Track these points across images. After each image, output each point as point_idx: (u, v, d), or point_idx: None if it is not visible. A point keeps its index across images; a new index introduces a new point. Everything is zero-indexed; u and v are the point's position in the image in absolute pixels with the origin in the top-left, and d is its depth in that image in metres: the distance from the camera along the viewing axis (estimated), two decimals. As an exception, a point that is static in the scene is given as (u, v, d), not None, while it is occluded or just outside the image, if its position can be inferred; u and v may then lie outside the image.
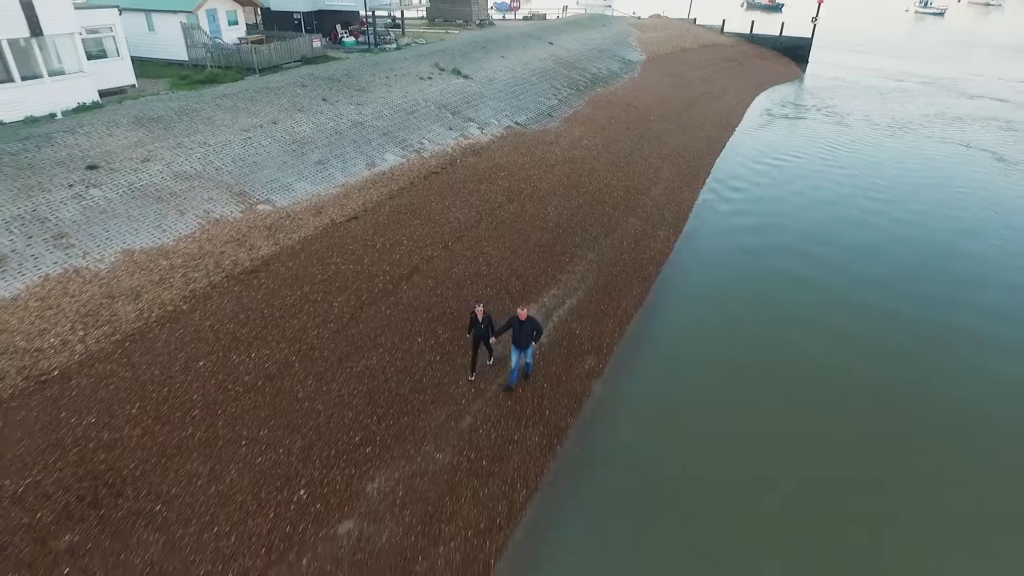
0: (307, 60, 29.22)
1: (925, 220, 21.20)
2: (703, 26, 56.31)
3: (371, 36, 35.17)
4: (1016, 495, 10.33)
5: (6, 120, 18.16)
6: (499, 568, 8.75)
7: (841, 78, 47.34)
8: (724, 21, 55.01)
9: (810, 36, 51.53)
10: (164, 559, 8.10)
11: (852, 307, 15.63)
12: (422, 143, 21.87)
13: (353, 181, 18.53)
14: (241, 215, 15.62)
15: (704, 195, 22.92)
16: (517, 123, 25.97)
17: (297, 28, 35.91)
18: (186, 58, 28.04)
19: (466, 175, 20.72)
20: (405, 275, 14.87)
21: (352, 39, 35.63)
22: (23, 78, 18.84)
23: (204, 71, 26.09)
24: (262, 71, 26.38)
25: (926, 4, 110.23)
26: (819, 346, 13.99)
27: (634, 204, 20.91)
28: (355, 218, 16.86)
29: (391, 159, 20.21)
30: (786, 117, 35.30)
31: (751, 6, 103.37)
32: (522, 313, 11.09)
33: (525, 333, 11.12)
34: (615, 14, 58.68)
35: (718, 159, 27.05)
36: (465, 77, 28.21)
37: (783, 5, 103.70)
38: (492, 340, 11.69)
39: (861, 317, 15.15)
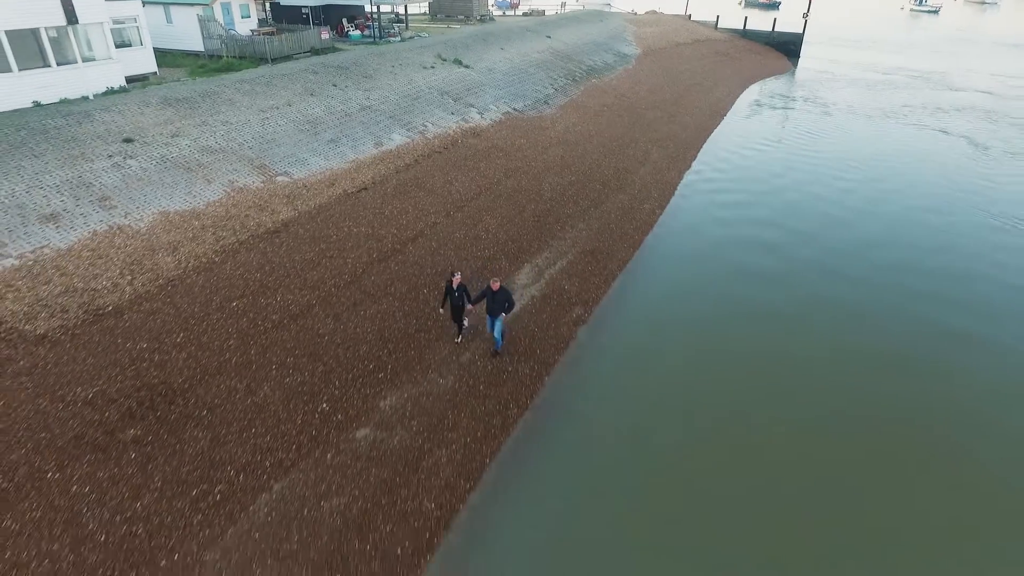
0: (316, 51, 30.80)
1: (893, 197, 22.74)
2: (698, 22, 57.84)
3: (376, 30, 36.75)
4: (979, 468, 10.58)
5: (43, 101, 19.76)
6: (492, 467, 10.32)
7: (831, 72, 48.82)
8: (718, 17, 56.55)
9: (801, 32, 52.99)
10: (212, 450, 9.69)
11: (817, 271, 17.17)
12: (425, 125, 23.44)
13: (362, 157, 20.12)
14: (262, 184, 17.21)
15: (689, 176, 24.44)
16: (515, 109, 27.53)
17: (305, 22, 37.47)
18: (202, 49, 29.64)
19: (466, 154, 22.30)
20: (411, 238, 16.45)
21: (358, 33, 37.22)
22: (59, 63, 20.45)
23: (220, 61, 27.72)
24: (274, 61, 27.97)
25: (921, 2, 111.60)
26: (786, 304, 15.53)
27: (623, 182, 22.47)
28: (365, 189, 18.45)
29: (397, 139, 21.79)
30: (773, 107, 36.82)
31: (749, 4, 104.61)
32: (495, 284, 11.85)
33: (498, 302, 11.92)
34: (613, 11, 60.20)
35: (705, 144, 28.58)
36: (466, 67, 29.78)
37: (780, 3, 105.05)
38: (468, 308, 12.31)
39: (824, 279, 16.70)
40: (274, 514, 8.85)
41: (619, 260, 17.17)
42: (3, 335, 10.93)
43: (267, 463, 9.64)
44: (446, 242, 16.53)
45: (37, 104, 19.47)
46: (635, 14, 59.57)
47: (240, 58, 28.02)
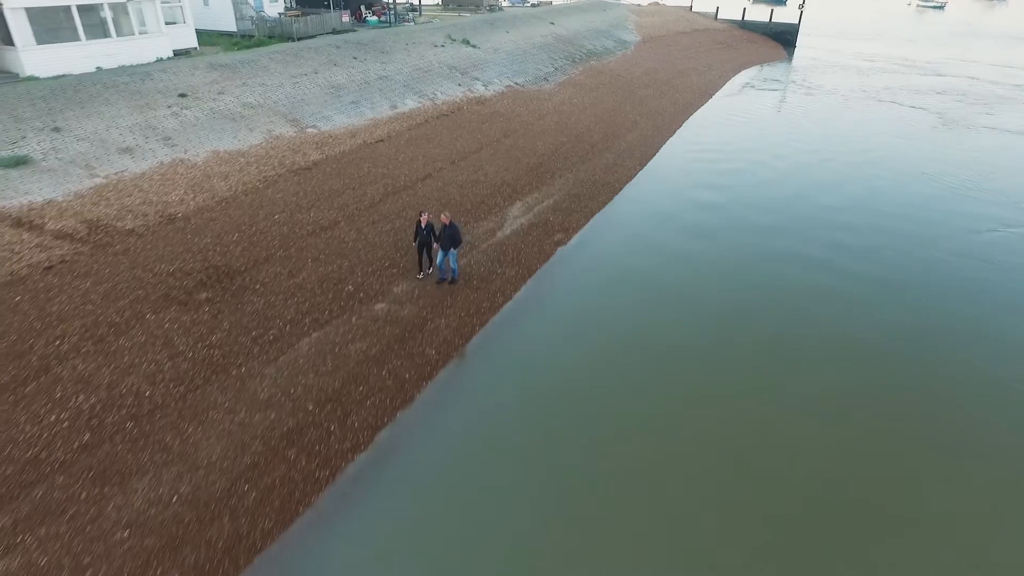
0: (336, 32, 33.81)
1: (845, 155, 25.28)
2: (699, 13, 60.29)
3: (392, 16, 39.74)
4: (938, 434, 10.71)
5: (105, 67, 22.89)
6: (480, 333, 13.15)
7: (825, 60, 51.10)
8: (718, 8, 58.98)
9: (797, 23, 55.28)
10: (264, 310, 12.63)
11: (770, 214, 19.83)
12: (435, 94, 26.36)
13: (380, 117, 23.07)
14: (295, 134, 20.21)
15: (672, 141, 27.13)
16: (516, 83, 30.37)
17: (326, 7, 40.54)
18: (235, 29, 32.78)
19: (471, 118, 25.18)
20: (420, 178, 19.36)
21: (375, 18, 40.24)
22: (118, 36, 23.61)
23: (251, 40, 30.81)
24: (299, 40, 31.00)
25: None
26: (725, 226, 18.23)
27: (610, 145, 25.22)
28: (382, 141, 21.40)
29: (410, 103, 24.72)
30: (759, 88, 39.30)
31: (758, 0, 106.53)
32: (444, 218, 13.44)
33: (447, 236, 13.48)
34: (617, 2, 62.78)
35: (691, 118, 31.22)
36: (473, 46, 32.65)
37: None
38: (435, 246, 13.86)
39: (779, 222, 19.34)
40: (313, 350, 11.77)
41: (599, 202, 19.96)
42: (103, 228, 13.97)
43: (307, 320, 12.57)
44: (450, 183, 19.42)
45: (100, 69, 22.59)
46: (639, 5, 62.12)
47: (269, 37, 31.10)
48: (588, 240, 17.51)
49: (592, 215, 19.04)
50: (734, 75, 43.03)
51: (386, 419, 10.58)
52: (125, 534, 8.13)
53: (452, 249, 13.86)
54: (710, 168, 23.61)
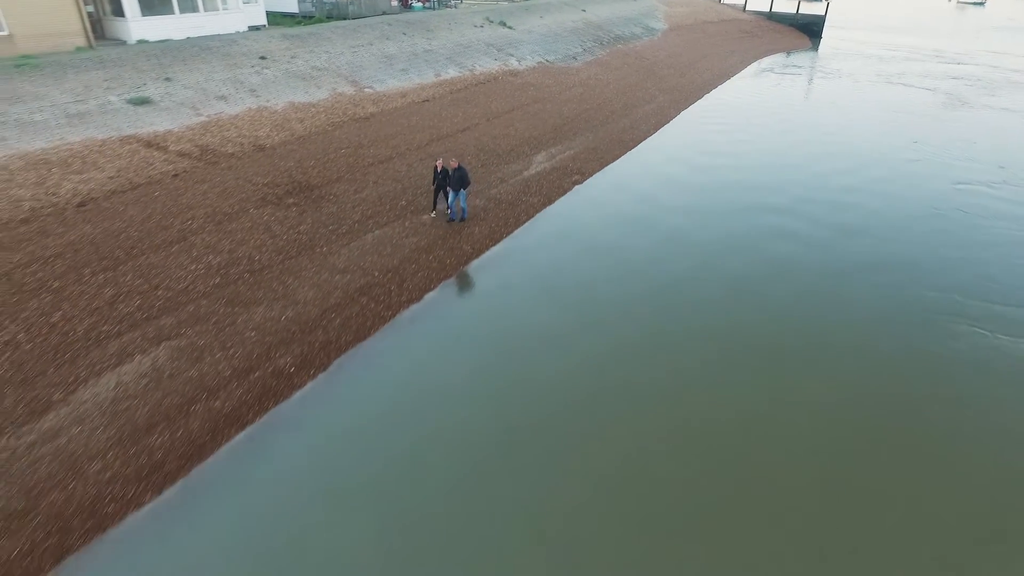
0: (386, 14, 37.39)
1: (844, 127, 27.66)
2: (727, 4, 62.32)
3: (435, 2, 43.24)
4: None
5: (193, 36, 26.79)
6: (506, 239, 16.33)
7: (849, 49, 52.73)
8: (746, 0, 60.90)
9: (823, 14, 56.97)
10: (337, 213, 16.06)
11: (762, 173, 22.54)
12: (474, 66, 29.68)
13: (425, 82, 26.49)
14: (354, 92, 23.75)
15: (685, 114, 29.88)
16: (547, 60, 33.48)
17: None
18: (296, 11, 36.67)
19: (505, 87, 28.43)
20: (460, 130, 22.67)
21: (420, 4, 43.77)
22: (206, 11, 27.54)
23: (311, 20, 34.60)
24: (354, 19, 34.65)
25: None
26: (727, 196, 21.03)
27: (629, 113, 28.16)
28: (427, 101, 24.80)
29: (452, 72, 28.08)
30: (778, 73, 41.53)
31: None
32: (453, 163, 15.59)
33: (455, 179, 15.66)
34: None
35: (708, 94, 33.86)
36: (509, 28, 35.88)
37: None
38: (447, 189, 16.03)
39: (769, 181, 22.05)
40: (376, 240, 15.15)
41: (613, 155, 22.97)
42: (211, 151, 17.65)
43: (370, 222, 15.97)
44: (485, 135, 22.68)
45: (189, 39, 26.50)
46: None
47: (327, 17, 34.85)
48: (599, 181, 20.56)
49: (605, 164, 22.06)
50: (755, 61, 45.29)
51: (432, 285, 13.88)
52: (252, 334, 11.60)
53: (462, 190, 15.95)
54: (716, 136, 26.35)
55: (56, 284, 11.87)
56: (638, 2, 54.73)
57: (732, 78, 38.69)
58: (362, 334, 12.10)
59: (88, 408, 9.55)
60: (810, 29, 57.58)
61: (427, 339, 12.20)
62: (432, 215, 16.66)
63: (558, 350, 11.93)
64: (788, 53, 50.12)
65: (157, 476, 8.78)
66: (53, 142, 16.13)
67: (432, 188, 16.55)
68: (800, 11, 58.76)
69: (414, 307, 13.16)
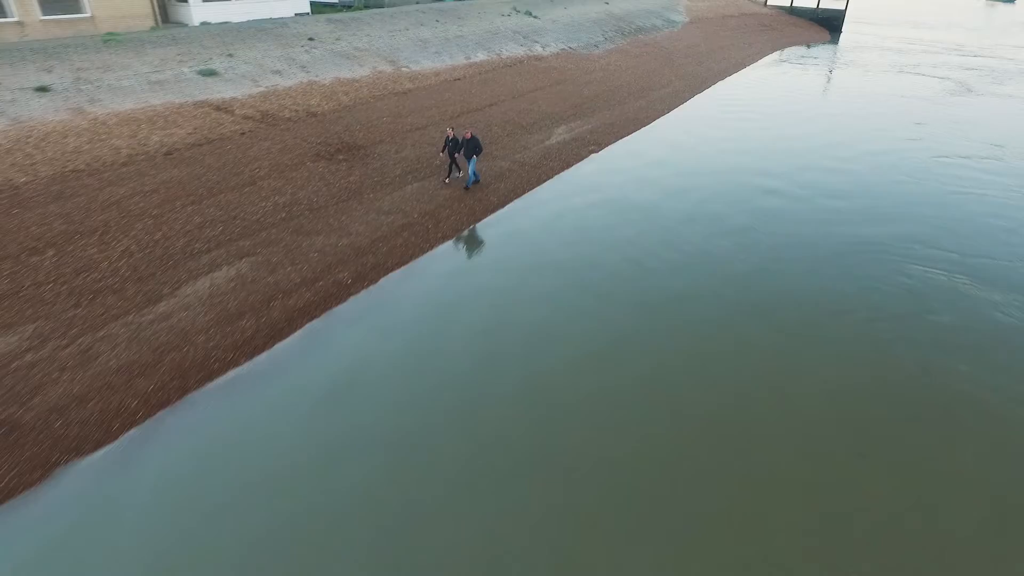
0: (419, 3, 39.79)
1: (846, 108, 29.23)
2: (750, 0, 63.55)
3: (465, -7, 45.48)
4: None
5: (247, 20, 29.40)
6: (529, 193, 18.47)
7: (867, 42, 53.65)
8: (768, -6, 62.11)
9: (843, 9, 57.98)
10: (381, 168, 18.36)
11: (760, 154, 24.34)
12: (501, 50, 31.89)
13: (457, 64, 28.77)
14: (393, 71, 26.12)
15: (699, 97, 31.70)
16: (570, 47, 35.55)
17: (409, -14, 46.66)
18: (335, 1, 39.23)
19: (529, 70, 30.58)
20: (488, 105, 24.89)
21: (450, -4, 46.08)
22: (256, -3, 30.20)
23: (350, 8, 37.11)
24: (390, 7, 37.09)
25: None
26: (730, 165, 22.90)
27: (645, 95, 30.10)
28: (459, 80, 27.08)
29: (481, 56, 30.33)
30: (793, 63, 42.95)
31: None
32: (467, 133, 17.26)
33: (469, 147, 17.17)
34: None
35: (722, 81, 35.59)
36: (535, 17, 38.00)
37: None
38: (457, 155, 17.60)
39: (766, 159, 23.85)
40: (416, 191, 17.42)
41: (629, 129, 24.98)
42: (270, 115, 20.13)
43: (409, 176, 18.26)
44: (510, 109, 24.87)
45: (245, 22, 29.11)
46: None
47: (365, 7, 37.35)
48: (614, 151, 22.60)
49: (620, 137, 24.08)
50: (773, 52, 46.73)
51: (463, 227, 16.10)
52: (315, 255, 13.94)
53: (474, 156, 17.43)
54: (725, 115, 28.19)
55: (155, 212, 14.36)
56: (660, -4, 56.33)
57: (748, 67, 40.27)
58: (404, 260, 14.37)
59: (190, 300, 11.97)
60: (830, 23, 58.59)
61: (459, 264, 14.44)
62: (447, 181, 18.10)
63: (561, 274, 14.08)
64: (807, 45, 51.35)
65: (248, 347, 11.13)
66: (140, 104, 18.73)
67: (442, 155, 18.04)
68: (820, 6, 59.79)
69: (448, 243, 15.40)
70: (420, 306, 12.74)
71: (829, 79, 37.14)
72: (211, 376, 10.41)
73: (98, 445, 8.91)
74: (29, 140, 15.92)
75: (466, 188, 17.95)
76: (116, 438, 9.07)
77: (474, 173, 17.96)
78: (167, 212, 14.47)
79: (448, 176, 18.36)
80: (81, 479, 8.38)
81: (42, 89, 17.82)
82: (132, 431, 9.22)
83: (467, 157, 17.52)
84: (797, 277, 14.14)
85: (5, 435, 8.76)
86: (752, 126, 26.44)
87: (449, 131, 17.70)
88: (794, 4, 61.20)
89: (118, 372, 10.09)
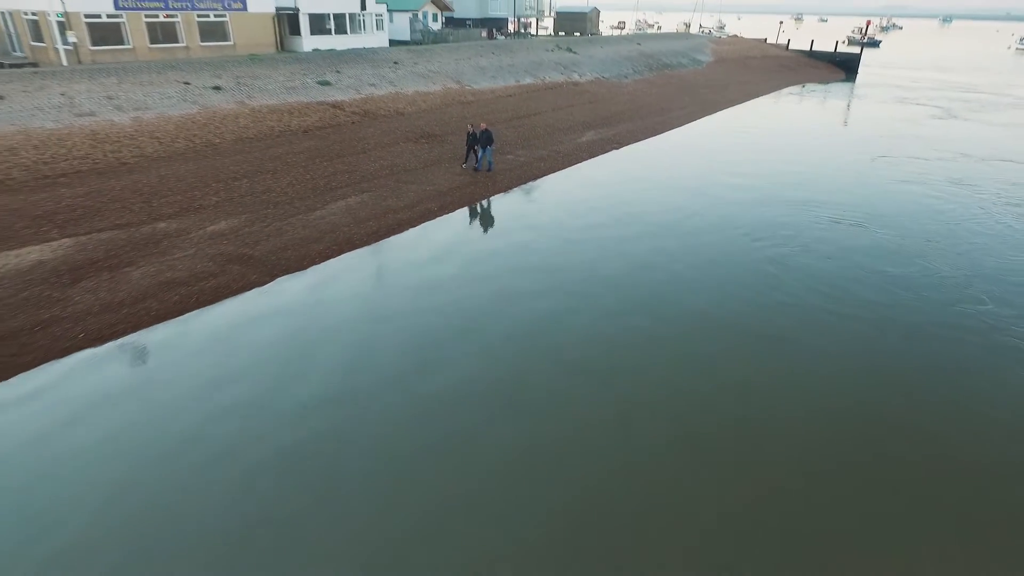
0: (475, 41, 47.34)
1: (829, 128, 34.57)
2: (772, 44, 69.83)
3: (515, 33, 53.19)
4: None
5: (345, 49, 37.03)
6: (562, 170, 24.54)
7: (881, 82, 58.85)
8: (789, 40, 68.27)
9: (859, 53, 63.60)
10: (452, 149, 24.76)
11: (750, 166, 29.96)
12: (544, 77, 38.69)
13: (508, 85, 35.60)
14: (458, 88, 33.03)
15: (710, 118, 37.62)
16: (603, 76, 42.19)
17: (468, 26, 54.74)
18: (408, 38, 47.17)
19: (567, 91, 37.19)
20: (532, 114, 31.39)
21: (502, 37, 53.87)
22: (351, 32, 37.94)
23: (420, 43, 44.84)
24: (453, 43, 44.65)
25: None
26: (719, 156, 28.57)
27: (663, 113, 36.23)
28: (510, 96, 33.81)
29: (528, 80, 37.15)
30: (802, 95, 48.58)
31: (852, 42, 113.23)
32: (482, 125, 21.96)
33: (483, 138, 21.65)
34: (701, 33, 73.62)
35: (734, 107, 41.50)
36: (574, 53, 44.97)
37: (880, 42, 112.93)
38: (476, 147, 22.23)
39: (754, 165, 29.45)
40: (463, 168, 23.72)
41: (645, 136, 31.02)
42: (370, 113, 26.99)
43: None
44: (550, 118, 31.30)
45: (344, 50, 36.71)
46: (719, 36, 72.59)
47: (433, 42, 45.05)
48: (632, 150, 28.61)
49: (638, 141, 30.12)
50: (786, 87, 52.52)
51: (514, 186, 22.18)
52: (411, 194, 20.16)
53: (488, 147, 22.01)
54: (723, 129, 34.02)
55: (304, 163, 20.97)
56: (689, 40, 63.20)
57: (760, 97, 46.12)
58: (473, 200, 20.48)
59: (335, 210, 18.26)
60: (847, 65, 64.14)
61: (516, 200, 20.50)
62: (464, 166, 22.61)
63: (593, 210, 19.94)
64: (822, 83, 56.94)
65: (374, 238, 17.27)
66: (281, 101, 25.81)
67: (465, 146, 22.66)
68: (837, 50, 65.56)
69: (504, 193, 21.48)
70: (481, 226, 18.76)
71: (827, 105, 42.61)
72: (354, 247, 16.54)
73: (297, 269, 15.06)
74: (214, 118, 22.97)
75: (475, 170, 22.27)
76: (304, 268, 15.20)
77: (490, 160, 22.29)
78: (310, 165, 21.06)
79: (465, 161, 22.72)
80: (295, 283, 14.45)
81: (216, 88, 25.06)
82: (316, 265, 15.35)
83: (483, 146, 22.14)
84: (714, 231, 19.61)
85: (244, 260, 15.00)
86: (740, 137, 32.14)
87: (469, 127, 22.71)
88: (813, 48, 67.13)
89: (299, 241, 16.33)
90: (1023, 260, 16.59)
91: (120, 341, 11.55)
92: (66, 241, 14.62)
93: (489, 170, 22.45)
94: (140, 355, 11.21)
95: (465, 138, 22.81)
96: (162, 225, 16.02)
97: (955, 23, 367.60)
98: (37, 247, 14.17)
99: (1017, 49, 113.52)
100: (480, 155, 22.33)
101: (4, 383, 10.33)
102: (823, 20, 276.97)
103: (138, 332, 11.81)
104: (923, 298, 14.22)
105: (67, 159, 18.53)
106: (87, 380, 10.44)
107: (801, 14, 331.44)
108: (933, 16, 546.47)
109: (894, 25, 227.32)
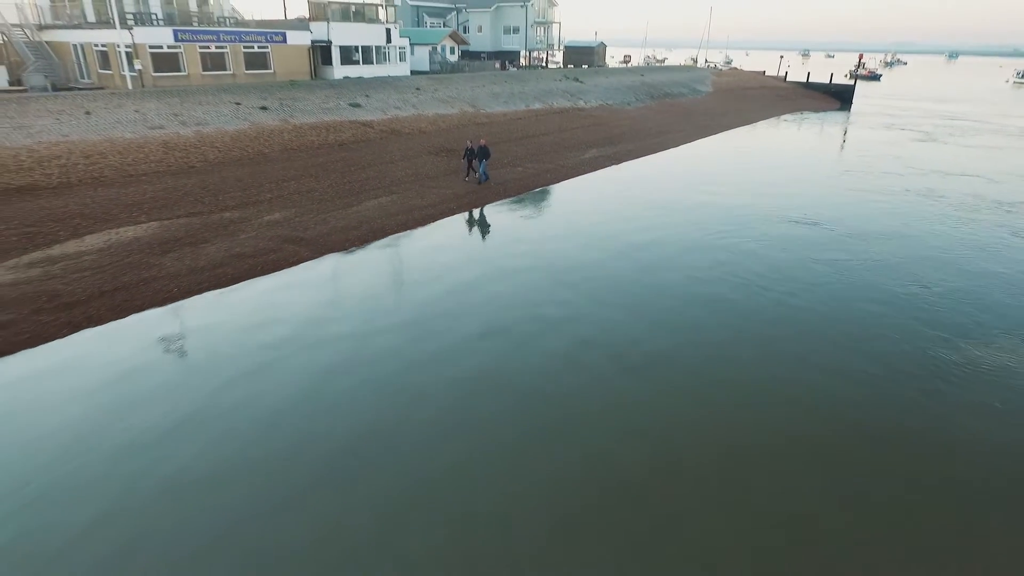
0: (489, 71, 51.29)
1: (818, 148, 37.55)
2: (771, 76, 73.57)
3: (526, 65, 57.23)
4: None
5: (371, 77, 40.92)
6: (565, 180, 27.70)
7: (873, 110, 61.99)
8: (787, 71, 72.00)
9: (853, 84, 67.05)
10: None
11: (734, 179, 33.00)
12: (552, 103, 42.30)
13: (519, 110, 39.18)
14: (473, 111, 36.62)
15: (705, 140, 40.85)
16: (607, 103, 45.76)
17: (482, 59, 58.93)
18: (427, 69, 51.27)
19: (574, 115, 40.69)
20: (540, 134, 34.79)
21: (514, 68, 57.94)
22: (376, 63, 41.92)
23: (438, 73, 48.85)
24: (469, 73, 48.56)
25: (1023, 75, 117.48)
26: (706, 167, 31.63)
27: (661, 135, 39.53)
28: (520, 119, 37.33)
29: (537, 106, 40.74)
30: (793, 122, 51.81)
31: (853, 76, 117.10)
32: (481, 141, 25.11)
33: (480, 152, 24.40)
34: (706, 67, 77.58)
35: (728, 131, 44.77)
36: (580, 82, 48.71)
37: (881, 75, 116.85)
38: (474, 161, 25.64)
39: (735, 178, 32.49)
40: (493, 175, 26.95)
41: (643, 155, 34.24)
42: (394, 131, 30.46)
43: (489, 167, 27.86)
44: (557, 138, 34.66)
45: (371, 78, 40.58)
46: (721, 69, 76.49)
47: (451, 72, 49.05)
48: (629, 166, 31.79)
49: (636, 159, 33.33)
50: (781, 114, 55.85)
51: (523, 191, 25.32)
52: (433, 196, 23.32)
53: (484, 160, 24.70)
54: (711, 151, 37.18)
55: (341, 169, 24.29)
56: (691, 72, 67.09)
57: (755, 124, 49.43)
58: (485, 202, 23.58)
59: (369, 206, 21.43)
60: (842, 96, 67.53)
61: (514, 207, 23.58)
62: (466, 179, 25.91)
63: (596, 210, 22.96)
64: (816, 111, 60.23)
65: (402, 228, 20.36)
66: (318, 120, 29.38)
67: (464, 160, 25.61)
68: (833, 81, 69.08)
69: (512, 198, 24.60)
70: (496, 216, 21.83)
71: (815, 131, 45.75)
72: (385, 235, 19.64)
73: (341, 249, 18.14)
74: (263, 133, 26.50)
75: (479, 183, 25.06)
76: (346, 249, 18.28)
77: (484, 172, 24.87)
78: (346, 171, 24.38)
79: (467, 176, 25.71)
80: (339, 260, 17.50)
81: (263, 108, 28.70)
82: (356, 247, 18.42)
83: (480, 159, 24.84)
84: (685, 233, 22.49)
85: (297, 241, 18.11)
86: (727, 156, 35.23)
87: (468, 142, 25.99)
88: (810, 80, 70.72)
89: (341, 228, 19.45)
90: (953, 251, 19.32)
91: (205, 295, 14.60)
92: (153, 224, 17.85)
93: (486, 181, 25.04)
94: (220, 305, 14.24)
95: (463, 152, 25.88)
96: (227, 214, 19.25)
97: (961, 59, 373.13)
98: (132, 227, 17.39)
99: (1015, 82, 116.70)
100: (481, 168, 24.99)
101: (122, 321, 13.37)
102: (830, 56, 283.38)
103: (219, 290, 14.86)
104: (845, 282, 16.99)
105: (145, 162, 21.97)
106: (181, 322, 13.48)
107: (807, 50, 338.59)
108: (940, 52, 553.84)
109: (898, 60, 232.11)
